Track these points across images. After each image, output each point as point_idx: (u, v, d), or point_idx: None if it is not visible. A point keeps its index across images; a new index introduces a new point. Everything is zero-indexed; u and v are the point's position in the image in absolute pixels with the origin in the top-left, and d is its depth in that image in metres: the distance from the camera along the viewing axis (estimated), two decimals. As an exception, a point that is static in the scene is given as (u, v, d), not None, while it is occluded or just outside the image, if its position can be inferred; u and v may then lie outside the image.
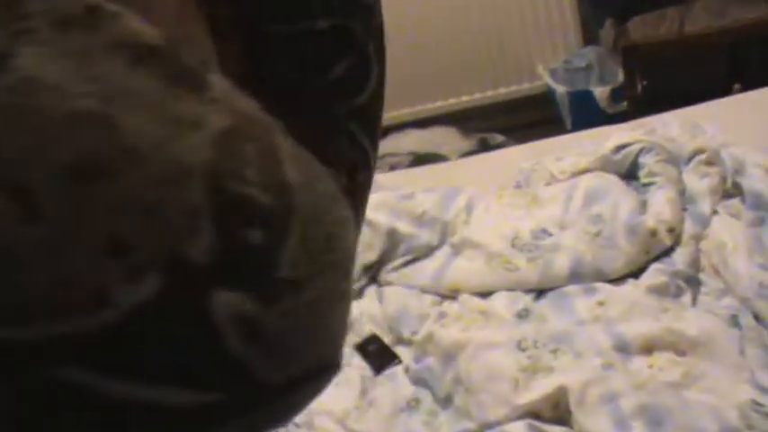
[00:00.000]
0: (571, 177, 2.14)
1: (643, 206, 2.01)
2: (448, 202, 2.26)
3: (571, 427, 1.57)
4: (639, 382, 1.59)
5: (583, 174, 2.12)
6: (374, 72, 0.53)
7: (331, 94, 0.52)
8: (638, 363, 1.66)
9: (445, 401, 1.78)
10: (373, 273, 2.24)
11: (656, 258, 1.88)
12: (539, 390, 1.63)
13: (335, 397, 1.95)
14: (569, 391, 1.58)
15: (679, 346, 1.65)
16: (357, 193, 0.54)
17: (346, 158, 0.53)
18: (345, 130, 0.53)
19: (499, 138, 3.35)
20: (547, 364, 1.68)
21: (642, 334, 1.69)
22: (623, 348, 1.69)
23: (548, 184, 2.19)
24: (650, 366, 1.64)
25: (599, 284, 1.88)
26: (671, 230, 1.92)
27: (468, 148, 3.29)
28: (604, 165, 2.14)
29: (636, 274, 1.88)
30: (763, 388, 1.55)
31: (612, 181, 2.07)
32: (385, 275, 2.22)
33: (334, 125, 0.52)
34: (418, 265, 2.18)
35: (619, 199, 1.98)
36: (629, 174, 2.17)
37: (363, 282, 2.24)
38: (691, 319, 1.69)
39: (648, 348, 1.67)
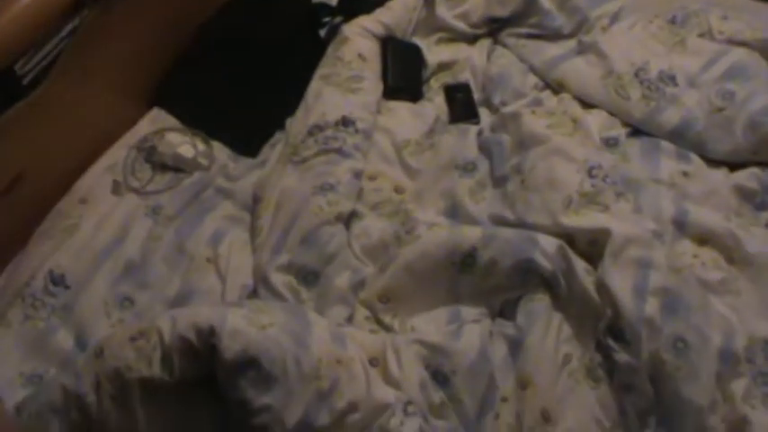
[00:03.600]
0: (726, 42, 2.02)
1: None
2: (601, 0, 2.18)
3: (595, 270, 1.59)
4: (678, 266, 1.60)
5: (740, 46, 2.00)
6: None
7: None
8: (686, 247, 1.65)
9: (498, 181, 1.80)
10: (496, 28, 2.18)
11: (760, 164, 1.81)
12: (584, 221, 1.64)
13: (403, 122, 1.96)
14: (611, 238, 1.58)
15: (732, 254, 1.64)
16: None
17: None
18: None
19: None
20: (604, 201, 1.67)
21: (705, 224, 1.67)
22: (681, 227, 1.68)
23: (701, 35, 2.07)
24: (695, 257, 1.64)
25: (694, 156, 1.83)
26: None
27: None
28: (765, 50, 2.00)
29: (732, 166, 1.82)
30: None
31: (764, 69, 1.94)
32: (505, 37, 2.17)
33: None
34: (540, 43, 2.12)
35: (759, 89, 1.87)
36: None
37: (483, 31, 2.19)
38: (757, 237, 1.66)
39: (703, 240, 1.67)
